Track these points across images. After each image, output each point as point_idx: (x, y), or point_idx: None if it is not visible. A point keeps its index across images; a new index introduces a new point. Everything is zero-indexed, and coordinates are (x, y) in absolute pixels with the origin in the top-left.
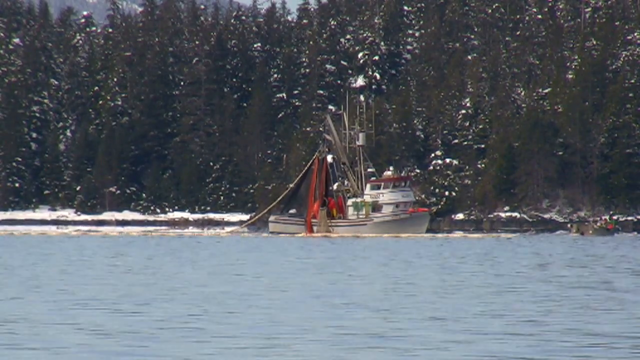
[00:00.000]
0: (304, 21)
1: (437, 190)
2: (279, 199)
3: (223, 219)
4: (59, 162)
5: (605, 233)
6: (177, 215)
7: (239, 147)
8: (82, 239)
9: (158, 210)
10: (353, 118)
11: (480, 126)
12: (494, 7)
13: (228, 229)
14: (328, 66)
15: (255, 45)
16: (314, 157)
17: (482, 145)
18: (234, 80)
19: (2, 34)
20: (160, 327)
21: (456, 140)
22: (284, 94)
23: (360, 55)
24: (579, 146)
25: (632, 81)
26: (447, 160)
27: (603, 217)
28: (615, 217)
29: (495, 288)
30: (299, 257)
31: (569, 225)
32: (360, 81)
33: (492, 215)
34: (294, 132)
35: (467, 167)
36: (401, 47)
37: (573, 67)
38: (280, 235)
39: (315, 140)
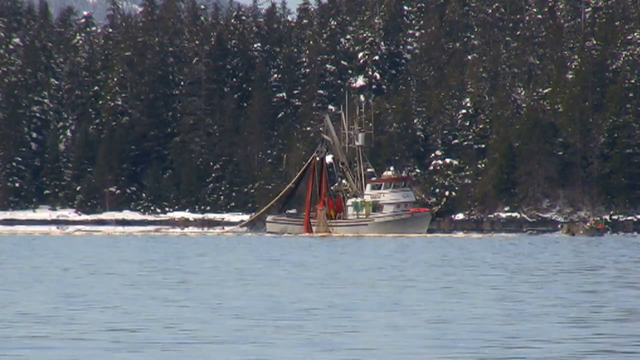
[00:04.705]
0: (304, 21)
1: (437, 190)
2: (276, 198)
3: (223, 219)
4: (59, 162)
5: (595, 233)
6: (177, 215)
7: (239, 147)
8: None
9: (158, 210)
10: (352, 118)
11: (480, 126)
12: (494, 7)
13: (227, 228)
14: (328, 66)
15: (255, 45)
16: (312, 157)
17: (482, 145)
18: (234, 80)
19: (2, 34)
20: None
21: (456, 140)
22: (284, 94)
23: (360, 55)
24: (579, 146)
25: (632, 81)
26: (447, 160)
27: (603, 217)
28: (605, 217)
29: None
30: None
31: (559, 226)
32: (360, 81)
33: (492, 215)
34: (294, 132)
35: (467, 167)
36: (401, 47)
37: (573, 67)
38: (283, 235)
39: (315, 140)
